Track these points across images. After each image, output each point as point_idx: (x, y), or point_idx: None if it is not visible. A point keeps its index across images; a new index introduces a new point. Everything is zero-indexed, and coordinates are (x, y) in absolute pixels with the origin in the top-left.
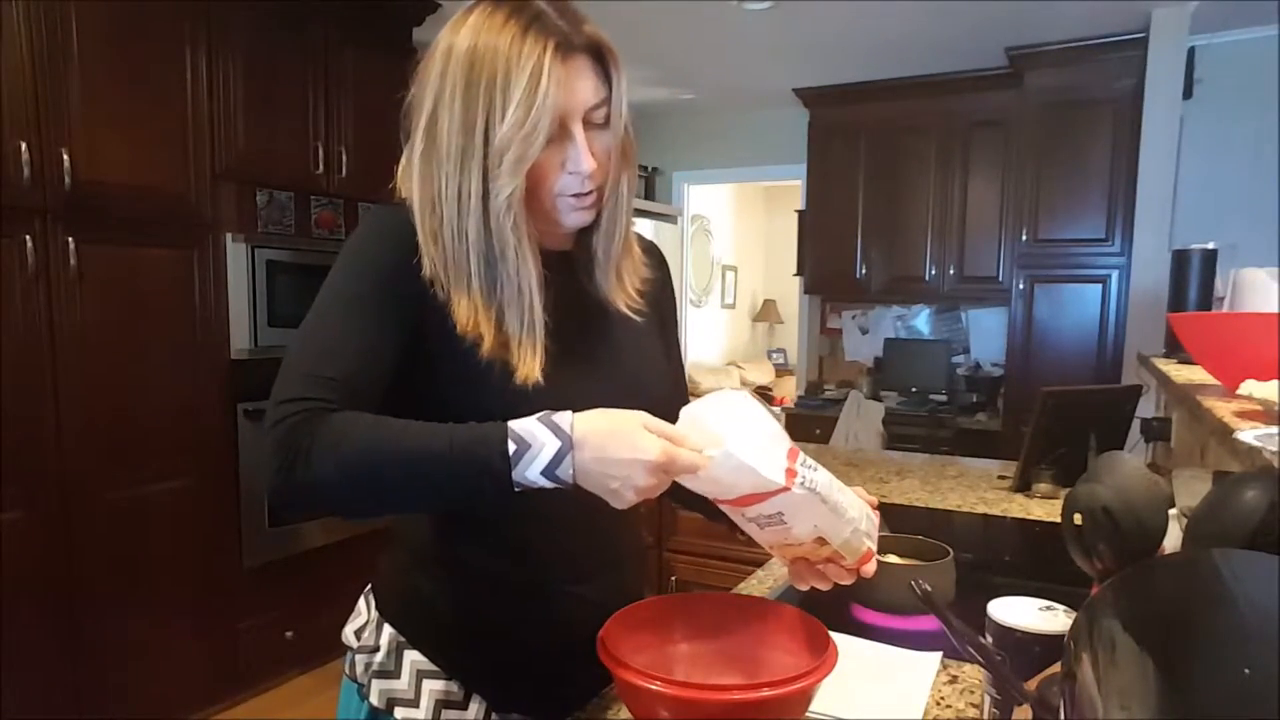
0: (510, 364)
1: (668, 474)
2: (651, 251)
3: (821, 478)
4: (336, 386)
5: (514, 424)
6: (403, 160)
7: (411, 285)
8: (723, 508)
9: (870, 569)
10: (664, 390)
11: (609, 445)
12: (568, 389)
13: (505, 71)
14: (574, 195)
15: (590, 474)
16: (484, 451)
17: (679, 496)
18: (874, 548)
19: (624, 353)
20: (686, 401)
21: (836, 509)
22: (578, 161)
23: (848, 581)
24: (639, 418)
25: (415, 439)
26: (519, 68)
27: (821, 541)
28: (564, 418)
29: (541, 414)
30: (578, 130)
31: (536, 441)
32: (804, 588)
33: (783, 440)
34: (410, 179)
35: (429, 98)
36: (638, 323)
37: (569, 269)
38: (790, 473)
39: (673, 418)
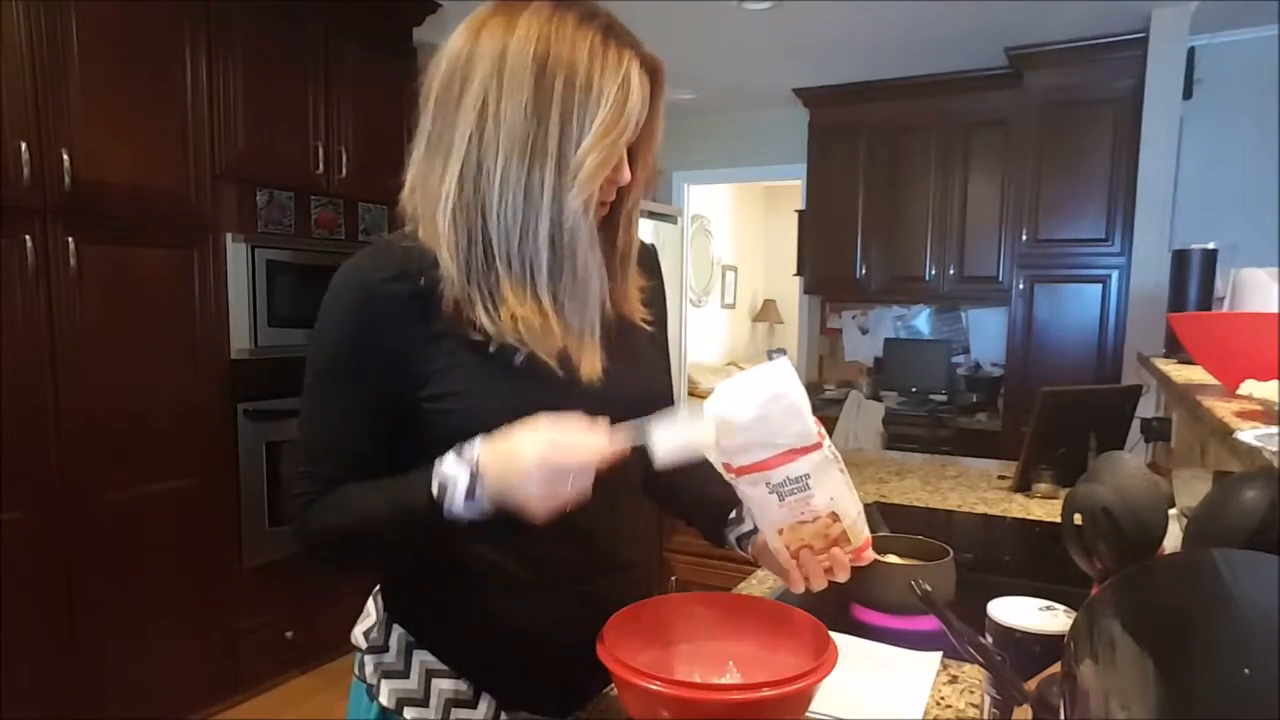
0: (571, 361)
1: (582, 475)
2: (649, 254)
3: (837, 452)
4: (322, 481)
5: (438, 462)
6: (418, 151)
7: (375, 351)
8: (743, 482)
9: (869, 556)
10: (663, 387)
11: (503, 466)
12: (569, 391)
13: (588, 72)
14: (603, 203)
15: (498, 498)
16: (414, 504)
17: (663, 499)
18: (870, 537)
19: (633, 363)
20: (673, 404)
21: (849, 484)
22: (621, 173)
23: (844, 576)
24: (529, 428)
25: (362, 509)
26: (605, 73)
27: (834, 518)
28: (471, 447)
29: (459, 445)
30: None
31: (450, 479)
32: (799, 589)
33: (799, 415)
34: (440, 161)
35: (476, 86)
36: (644, 332)
37: None
38: (821, 434)
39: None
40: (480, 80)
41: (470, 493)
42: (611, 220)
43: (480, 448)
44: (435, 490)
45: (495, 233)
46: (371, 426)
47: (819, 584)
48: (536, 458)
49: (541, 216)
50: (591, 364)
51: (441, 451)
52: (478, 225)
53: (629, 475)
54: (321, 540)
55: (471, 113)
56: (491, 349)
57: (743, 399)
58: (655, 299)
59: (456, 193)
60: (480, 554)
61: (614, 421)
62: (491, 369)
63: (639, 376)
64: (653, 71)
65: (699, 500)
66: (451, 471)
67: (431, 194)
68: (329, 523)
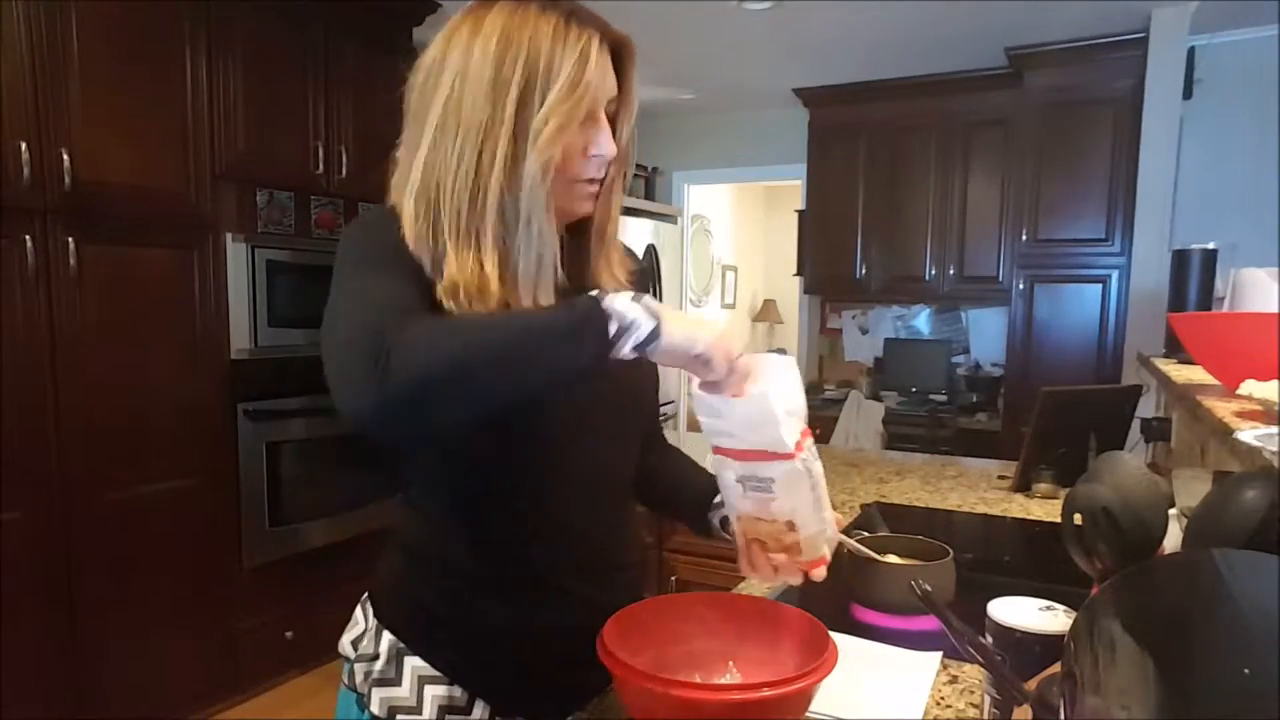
0: None
1: (728, 359)
2: (631, 253)
3: (818, 469)
4: (406, 310)
5: (605, 305)
6: (402, 146)
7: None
8: (717, 462)
9: (819, 574)
10: (653, 389)
11: (692, 318)
12: (595, 384)
13: (549, 50)
14: (588, 180)
15: (688, 336)
16: (582, 329)
17: (648, 494)
18: (828, 557)
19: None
20: (657, 381)
21: (819, 502)
22: (601, 145)
23: (795, 580)
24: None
25: (507, 316)
26: (566, 48)
27: (791, 527)
28: (652, 305)
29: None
30: (602, 117)
31: (632, 318)
32: (748, 574)
33: (802, 420)
34: (413, 156)
35: (444, 84)
36: None
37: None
38: (799, 446)
39: (656, 415)
40: (448, 78)
41: (653, 333)
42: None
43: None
44: (614, 325)
45: (447, 208)
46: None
47: (766, 577)
48: (723, 331)
49: (491, 187)
50: None
51: None
52: (433, 203)
53: (622, 475)
54: (423, 375)
55: (439, 107)
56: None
57: (765, 385)
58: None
59: (420, 179)
60: (471, 557)
61: (596, 397)
62: None
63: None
64: (620, 46)
65: (681, 489)
66: (625, 309)
67: (401, 184)
68: (435, 347)
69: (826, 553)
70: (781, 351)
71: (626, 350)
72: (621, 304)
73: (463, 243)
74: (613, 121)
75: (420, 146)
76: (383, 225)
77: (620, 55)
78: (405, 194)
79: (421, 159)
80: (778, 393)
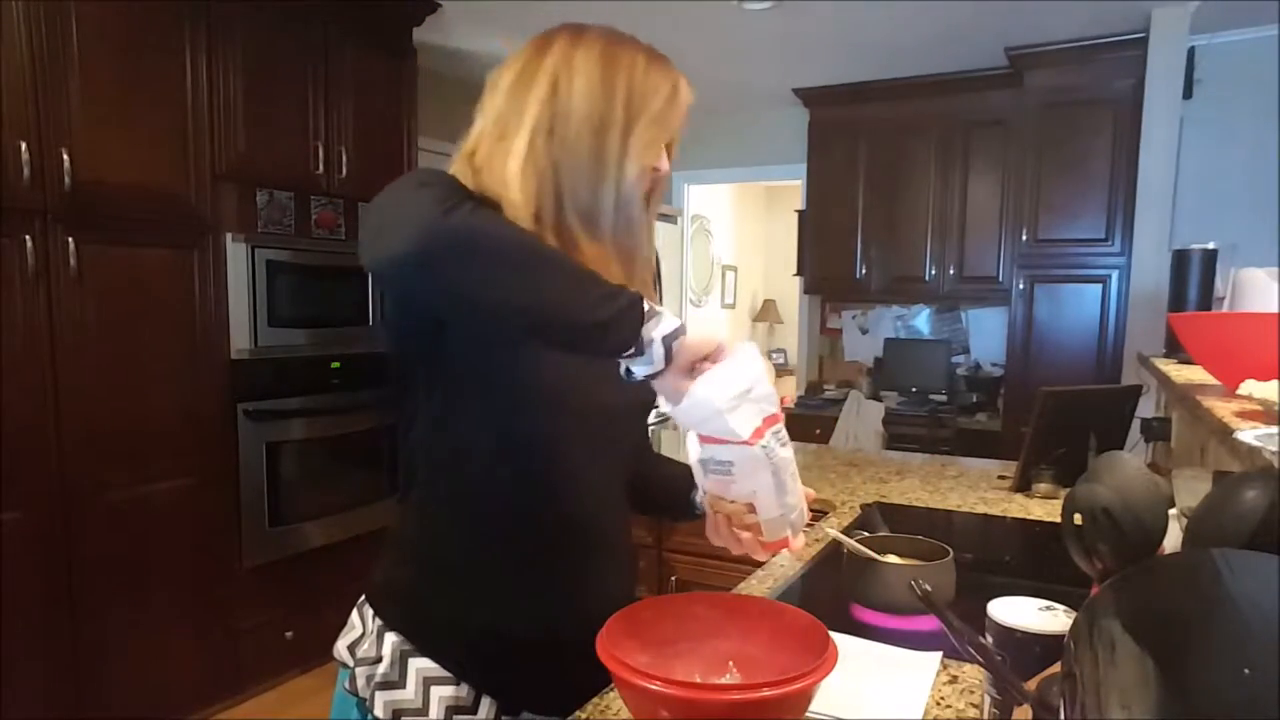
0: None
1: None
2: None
3: (785, 455)
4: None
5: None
6: (481, 123)
7: None
8: (688, 437)
9: (794, 545)
10: (650, 395)
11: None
12: (595, 387)
13: (645, 71)
14: (647, 195)
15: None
16: (629, 294)
17: (646, 504)
18: (793, 540)
19: None
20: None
21: (782, 488)
22: (664, 161)
23: (760, 557)
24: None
25: (549, 250)
26: (660, 75)
27: (751, 509)
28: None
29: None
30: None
31: (661, 310)
32: (716, 543)
33: (768, 405)
34: (516, 135)
35: (546, 72)
36: None
37: None
38: (758, 432)
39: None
40: (550, 67)
41: (674, 334)
42: None
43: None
44: (646, 305)
45: (566, 186)
46: None
47: (732, 548)
48: (749, 345)
49: (608, 174)
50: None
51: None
52: (549, 178)
53: (619, 474)
54: (483, 233)
55: (543, 86)
56: None
57: (714, 370)
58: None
59: (527, 149)
60: (473, 553)
61: (596, 398)
62: None
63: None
64: (690, 91)
65: (668, 482)
66: (661, 310)
67: (500, 151)
68: (500, 225)
69: (789, 535)
70: (781, 352)
71: (657, 336)
72: (661, 309)
73: (591, 231)
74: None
75: (523, 119)
76: (450, 175)
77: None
78: (509, 162)
79: (527, 131)
80: (727, 381)
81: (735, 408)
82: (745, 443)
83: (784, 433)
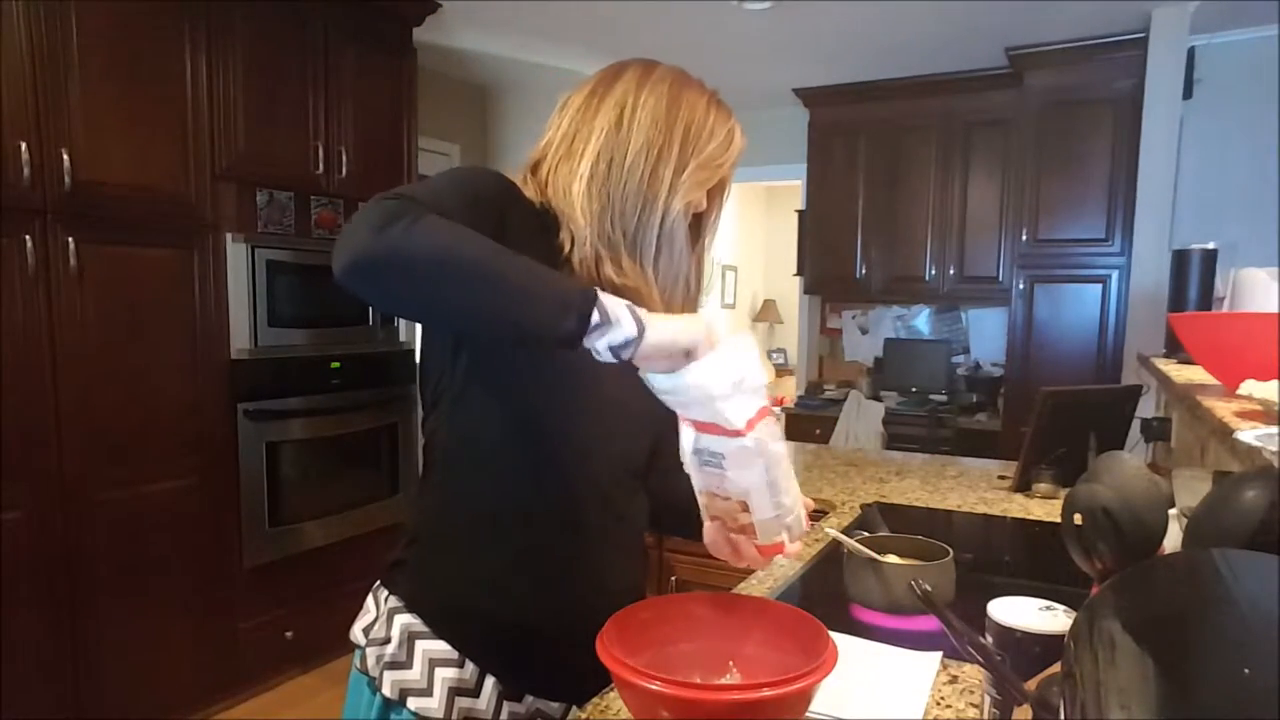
0: None
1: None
2: None
3: (777, 450)
4: (441, 212)
5: (600, 297)
6: (549, 136)
7: (508, 206)
8: (681, 427)
9: (789, 550)
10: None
11: (676, 321)
12: (606, 377)
13: (705, 113)
14: (686, 230)
15: (662, 335)
16: (575, 301)
17: (661, 525)
18: (788, 544)
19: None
20: None
21: (773, 485)
22: (701, 203)
23: (759, 566)
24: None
25: (517, 255)
26: (718, 119)
27: (744, 507)
28: (641, 315)
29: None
30: None
31: (616, 320)
32: (716, 554)
33: (758, 398)
34: (583, 154)
35: (615, 98)
36: None
37: None
38: (750, 424)
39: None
40: (618, 96)
41: (622, 346)
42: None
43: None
44: (595, 318)
45: (617, 210)
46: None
47: (729, 559)
48: (708, 324)
49: (657, 205)
50: None
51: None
52: (606, 202)
53: (634, 460)
54: (411, 248)
55: (611, 113)
56: None
57: (708, 357)
58: None
59: (590, 171)
60: (486, 539)
61: (612, 386)
62: None
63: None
64: (743, 141)
65: (680, 500)
66: (615, 311)
67: (566, 170)
68: (437, 236)
69: (784, 540)
70: (781, 352)
71: (602, 345)
72: (612, 302)
73: (635, 253)
74: (711, 194)
75: (589, 141)
76: (500, 178)
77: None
78: (574, 181)
79: (593, 153)
80: (722, 368)
81: (729, 396)
82: (738, 432)
83: (776, 427)
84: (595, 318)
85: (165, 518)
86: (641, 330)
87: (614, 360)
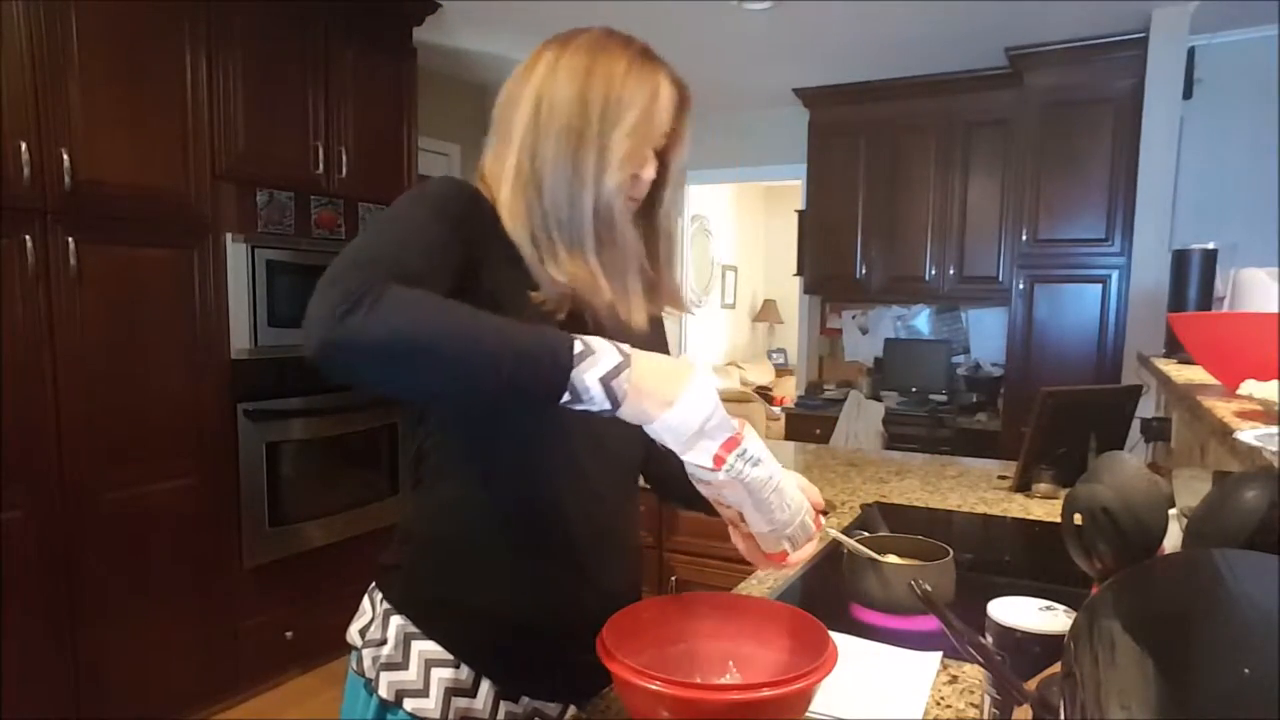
0: (619, 314)
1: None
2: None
3: (758, 473)
4: (385, 274)
5: (577, 336)
6: (486, 152)
7: (468, 234)
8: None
9: (792, 559)
10: None
11: (667, 368)
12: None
13: (623, 82)
14: (631, 198)
15: (641, 391)
16: (552, 342)
17: (680, 496)
18: (791, 552)
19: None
20: None
21: (762, 506)
22: (646, 167)
23: (762, 567)
24: (691, 363)
25: (487, 317)
26: (639, 83)
27: (742, 519)
28: (622, 345)
29: (600, 338)
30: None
31: (600, 350)
32: (747, 556)
33: (722, 432)
34: (508, 156)
35: (531, 91)
36: (655, 327)
37: None
38: (719, 459)
39: None
40: (534, 87)
41: (615, 374)
42: (650, 222)
43: (632, 352)
44: (578, 348)
45: (549, 204)
46: (453, 268)
47: (760, 565)
48: (701, 376)
49: (585, 192)
50: (640, 316)
51: None
52: (535, 199)
53: (628, 458)
54: (376, 335)
55: (528, 110)
56: (541, 305)
57: (669, 412)
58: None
59: (514, 173)
60: (481, 539)
61: None
62: (533, 316)
63: None
64: (680, 89)
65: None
66: (597, 344)
67: (495, 175)
68: (401, 316)
69: (787, 548)
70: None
71: (591, 379)
72: (591, 339)
73: (572, 245)
74: (663, 155)
75: (511, 143)
76: (464, 187)
77: (681, 97)
78: (502, 187)
79: (514, 154)
80: (677, 426)
81: (692, 445)
82: (711, 469)
83: (751, 452)
84: (578, 347)
85: (165, 518)
86: (627, 356)
87: (609, 404)
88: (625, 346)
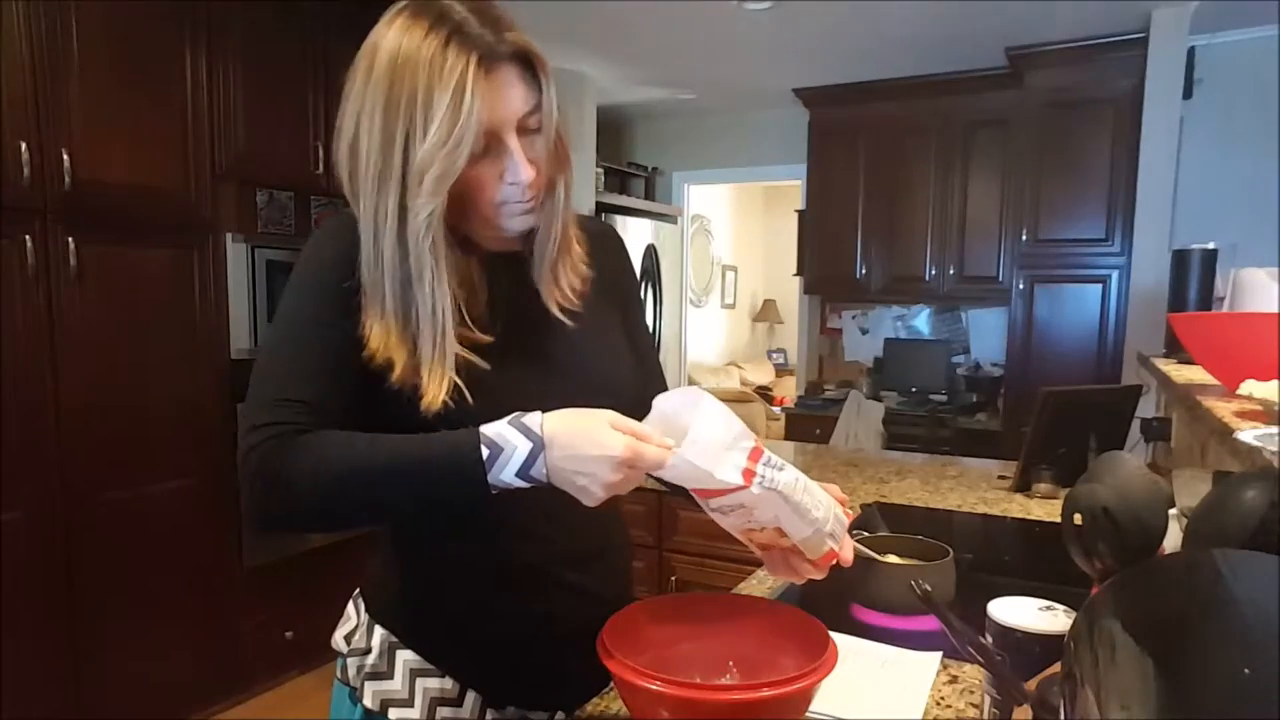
0: (419, 389)
1: (634, 470)
2: (608, 236)
3: (786, 477)
4: (304, 409)
5: (485, 428)
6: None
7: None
8: (693, 494)
9: (836, 562)
10: (631, 382)
11: (577, 443)
12: (523, 388)
13: (426, 87)
14: (516, 202)
15: (561, 471)
16: (459, 458)
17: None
18: (837, 549)
19: (583, 350)
20: (664, 387)
21: (799, 509)
22: (516, 172)
23: (817, 576)
24: (606, 415)
25: (389, 454)
26: (441, 83)
27: (781, 533)
28: (534, 419)
29: (512, 416)
30: (512, 141)
31: (509, 444)
32: (775, 576)
33: (745, 440)
34: (349, 197)
35: (350, 117)
36: (597, 318)
37: (519, 270)
38: (749, 473)
39: (648, 405)
40: (354, 99)
41: (530, 462)
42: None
43: (548, 419)
44: (486, 452)
45: (362, 256)
46: (353, 365)
47: (795, 579)
48: (624, 448)
49: (385, 247)
50: (434, 393)
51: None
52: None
53: None
54: (301, 482)
55: (345, 138)
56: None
57: (686, 441)
58: (619, 279)
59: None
60: (461, 547)
61: (577, 391)
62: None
63: (583, 363)
64: (524, 59)
65: None
66: (509, 437)
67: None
68: (323, 461)
69: (833, 545)
70: (781, 352)
71: (509, 476)
72: (496, 428)
73: (371, 306)
74: (534, 138)
75: (345, 191)
76: (340, 233)
77: (526, 63)
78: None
79: (351, 202)
80: (693, 443)
81: (720, 462)
82: (741, 487)
83: (774, 457)
84: (485, 451)
85: (165, 518)
86: (538, 439)
87: (540, 482)
88: (534, 421)
